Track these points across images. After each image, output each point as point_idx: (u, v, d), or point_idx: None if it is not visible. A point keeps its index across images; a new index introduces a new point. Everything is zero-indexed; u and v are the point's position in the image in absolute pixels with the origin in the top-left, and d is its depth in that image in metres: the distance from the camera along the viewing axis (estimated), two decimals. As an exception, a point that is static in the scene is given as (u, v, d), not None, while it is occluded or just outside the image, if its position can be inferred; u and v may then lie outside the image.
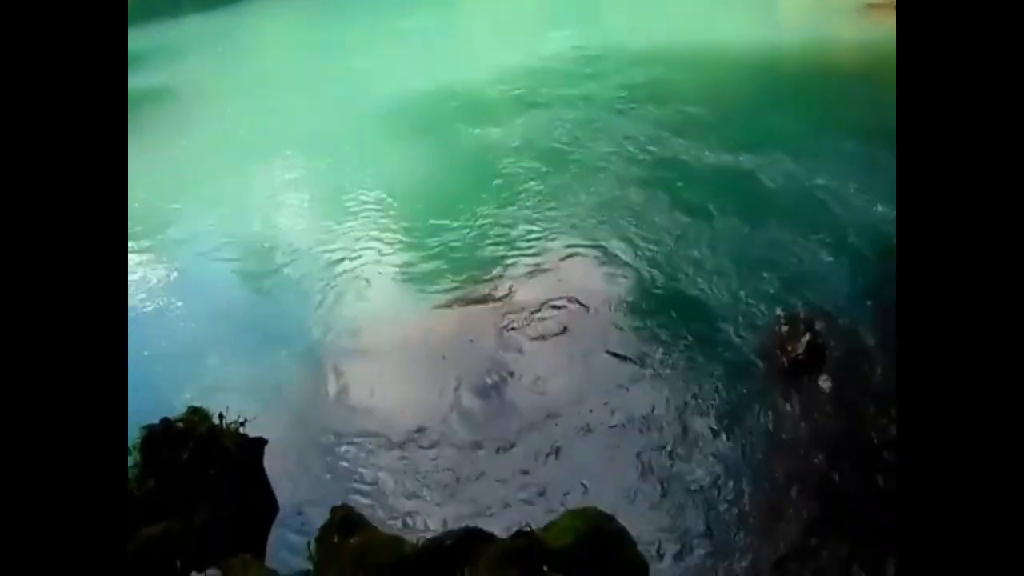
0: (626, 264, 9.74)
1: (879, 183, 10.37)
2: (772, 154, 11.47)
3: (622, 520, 5.98)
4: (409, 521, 6.69)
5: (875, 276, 9.03)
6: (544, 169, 12.19)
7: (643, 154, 12.11)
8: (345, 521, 5.39)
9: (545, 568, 4.73)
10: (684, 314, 8.77)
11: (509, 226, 10.65)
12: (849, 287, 8.90)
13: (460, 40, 22.78)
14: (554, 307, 9.14)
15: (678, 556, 6.34)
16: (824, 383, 7.60)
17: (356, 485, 7.26)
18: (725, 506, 6.65)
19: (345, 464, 7.52)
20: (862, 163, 10.94)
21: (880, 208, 10.02)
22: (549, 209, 11.08)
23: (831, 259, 9.36)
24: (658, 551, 6.16)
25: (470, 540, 4.85)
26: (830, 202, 10.27)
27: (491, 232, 10.47)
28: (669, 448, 7.19)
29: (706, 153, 11.80)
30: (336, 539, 5.34)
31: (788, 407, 7.44)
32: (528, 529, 4.86)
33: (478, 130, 13.31)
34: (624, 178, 11.55)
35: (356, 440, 7.75)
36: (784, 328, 8.03)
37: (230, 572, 5.23)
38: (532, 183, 11.79)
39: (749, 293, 8.81)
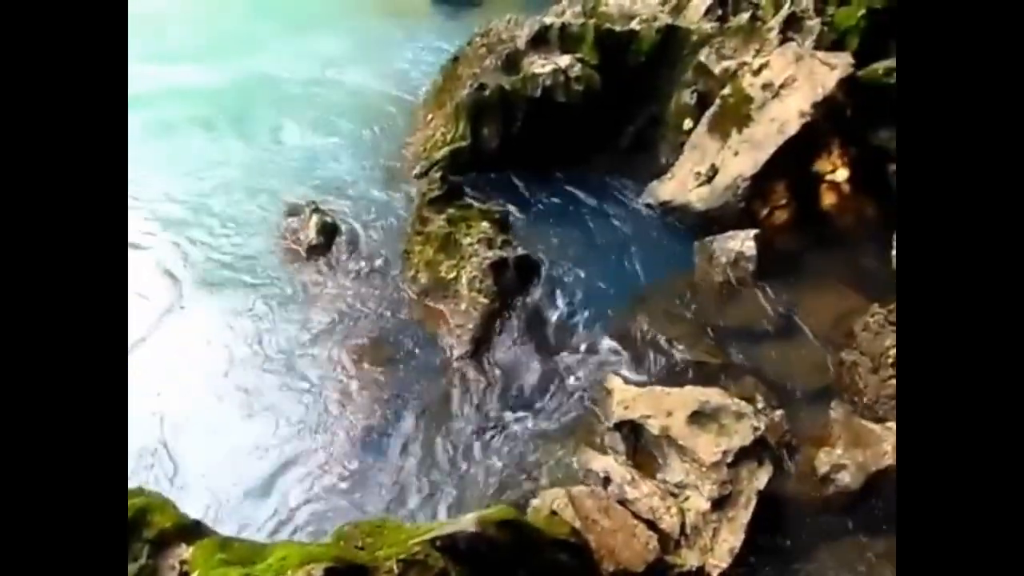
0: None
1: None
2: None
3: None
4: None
5: (366, 142, 9.91)
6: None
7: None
8: None
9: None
10: (196, 228, 8.54)
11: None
12: (344, 160, 9.58)
13: None
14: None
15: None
16: (343, 255, 8.17)
17: None
18: (299, 407, 6.74)
19: None
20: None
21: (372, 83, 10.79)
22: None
23: (324, 143, 9.90)
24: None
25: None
26: (319, 93, 10.78)
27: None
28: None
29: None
30: None
31: (317, 287, 7.85)
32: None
33: None
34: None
35: None
36: (290, 219, 8.34)
37: None
38: None
39: (251, 198, 9.01)
